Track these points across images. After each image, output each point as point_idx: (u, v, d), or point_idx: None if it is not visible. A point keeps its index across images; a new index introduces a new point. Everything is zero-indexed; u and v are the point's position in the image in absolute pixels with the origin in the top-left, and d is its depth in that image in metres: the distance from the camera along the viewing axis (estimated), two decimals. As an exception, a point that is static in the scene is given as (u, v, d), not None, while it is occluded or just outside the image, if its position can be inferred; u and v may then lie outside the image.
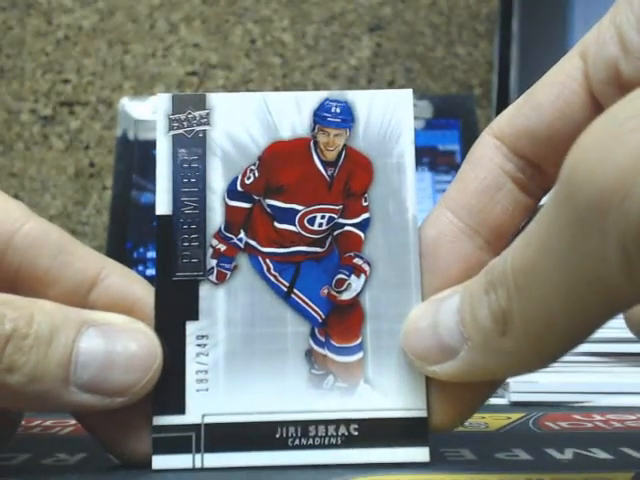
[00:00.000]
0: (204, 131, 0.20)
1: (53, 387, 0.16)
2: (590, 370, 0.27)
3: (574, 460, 0.19)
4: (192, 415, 0.19)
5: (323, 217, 0.20)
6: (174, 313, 0.19)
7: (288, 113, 0.20)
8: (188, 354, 0.19)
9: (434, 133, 0.66)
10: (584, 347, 0.27)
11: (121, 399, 0.17)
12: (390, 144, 0.20)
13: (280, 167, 0.20)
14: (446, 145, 0.66)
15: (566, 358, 0.27)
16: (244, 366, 0.19)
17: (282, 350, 0.19)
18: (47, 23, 0.83)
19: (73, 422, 0.25)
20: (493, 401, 0.28)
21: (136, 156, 0.63)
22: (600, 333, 0.27)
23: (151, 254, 0.60)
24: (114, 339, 0.17)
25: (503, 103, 0.66)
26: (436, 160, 0.66)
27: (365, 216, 0.20)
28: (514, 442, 0.21)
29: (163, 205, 0.19)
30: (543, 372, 0.27)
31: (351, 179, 0.20)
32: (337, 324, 0.19)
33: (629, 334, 0.27)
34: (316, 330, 0.19)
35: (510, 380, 0.27)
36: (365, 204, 0.20)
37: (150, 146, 0.63)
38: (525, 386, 0.27)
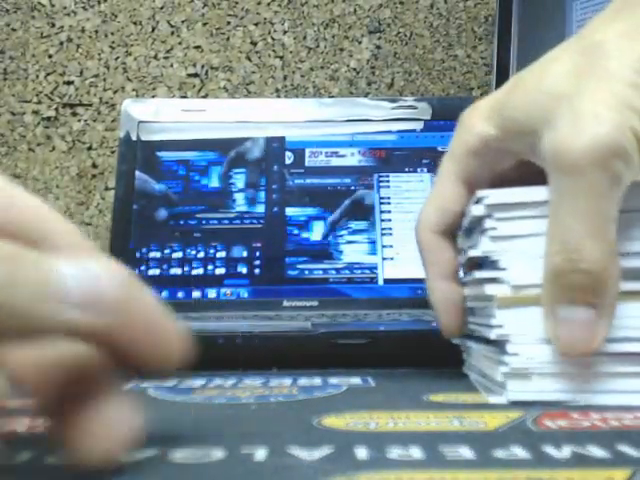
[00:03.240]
0: None
1: (52, 306, 0.17)
2: (588, 369, 0.27)
3: (572, 458, 0.19)
4: None
5: None
6: None
7: None
8: None
9: (433, 135, 0.67)
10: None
11: (112, 315, 0.17)
12: None
13: None
14: (445, 147, 0.66)
15: (564, 357, 0.27)
16: None
17: None
18: (50, 25, 0.84)
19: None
20: (492, 400, 0.28)
21: (139, 157, 0.63)
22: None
23: (154, 254, 0.60)
24: (85, 263, 0.18)
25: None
26: (436, 162, 0.66)
27: None
28: (513, 441, 0.21)
29: None
30: (542, 371, 0.28)
31: None
32: None
33: (629, 333, 0.27)
34: None
35: (508, 379, 0.28)
36: None
37: (153, 146, 0.63)
38: (524, 385, 0.27)
